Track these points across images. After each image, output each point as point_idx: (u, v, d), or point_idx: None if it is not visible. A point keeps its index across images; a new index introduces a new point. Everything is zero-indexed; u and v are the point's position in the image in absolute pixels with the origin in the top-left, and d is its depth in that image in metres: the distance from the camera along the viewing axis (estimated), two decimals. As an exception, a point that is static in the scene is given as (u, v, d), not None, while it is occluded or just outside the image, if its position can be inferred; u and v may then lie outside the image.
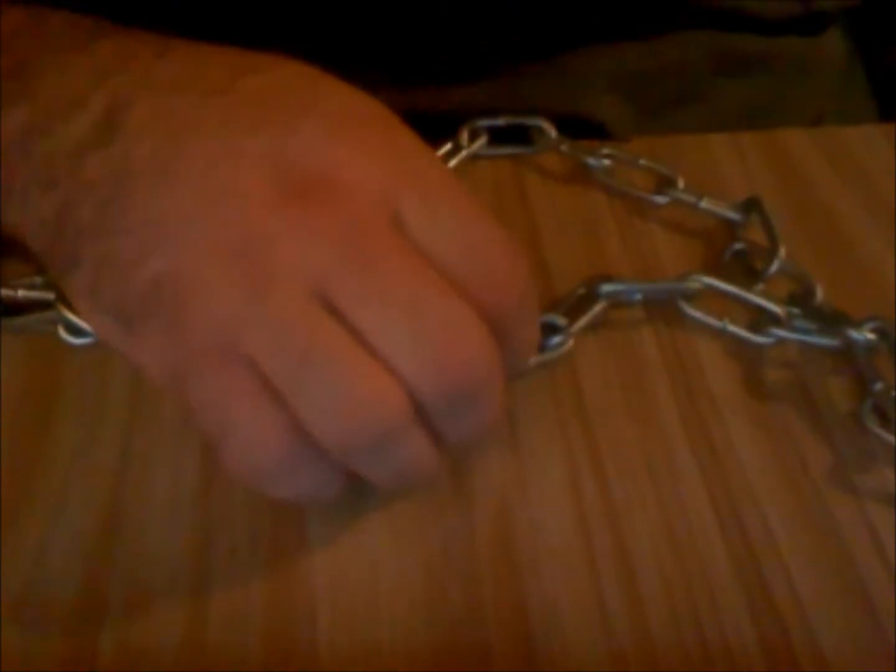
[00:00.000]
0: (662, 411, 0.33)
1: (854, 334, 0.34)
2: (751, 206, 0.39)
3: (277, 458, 0.25)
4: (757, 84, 0.49)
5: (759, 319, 0.35)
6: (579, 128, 0.44)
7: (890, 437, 0.31)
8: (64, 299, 0.34)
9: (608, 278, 0.35)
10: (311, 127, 0.26)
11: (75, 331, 0.34)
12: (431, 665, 0.27)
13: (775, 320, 0.34)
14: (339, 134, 0.26)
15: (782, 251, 0.37)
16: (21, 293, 0.35)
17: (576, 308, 0.35)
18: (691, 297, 0.35)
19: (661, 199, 0.40)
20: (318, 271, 0.25)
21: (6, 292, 0.35)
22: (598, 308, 0.35)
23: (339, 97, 0.28)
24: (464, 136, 0.43)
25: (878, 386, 0.32)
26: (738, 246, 0.38)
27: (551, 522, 0.30)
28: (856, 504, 0.31)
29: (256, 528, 0.30)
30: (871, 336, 0.34)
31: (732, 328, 0.35)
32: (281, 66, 0.28)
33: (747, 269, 0.38)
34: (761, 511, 0.30)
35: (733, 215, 0.39)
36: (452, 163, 0.42)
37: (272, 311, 0.24)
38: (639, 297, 0.36)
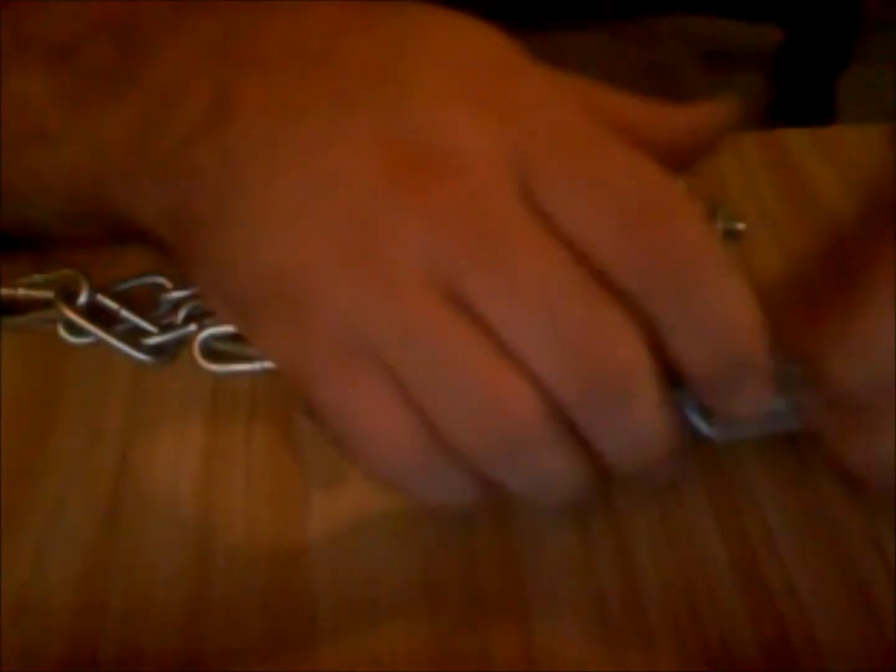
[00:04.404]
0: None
1: None
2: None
3: (411, 464, 0.24)
4: (745, 84, 0.50)
5: None
6: None
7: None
8: (61, 298, 0.34)
9: None
10: (421, 96, 0.24)
11: (75, 330, 0.34)
12: (431, 665, 0.27)
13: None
14: (452, 97, 0.24)
15: None
16: (21, 292, 0.35)
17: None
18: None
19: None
20: (442, 261, 0.23)
21: (6, 292, 0.35)
22: None
23: (449, 50, 0.25)
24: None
25: None
26: None
27: (551, 522, 0.30)
28: (856, 504, 0.31)
29: (256, 528, 0.30)
30: None
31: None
32: (378, 19, 0.26)
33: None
34: (761, 511, 0.30)
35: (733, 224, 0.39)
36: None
37: (396, 307, 0.23)
38: None
